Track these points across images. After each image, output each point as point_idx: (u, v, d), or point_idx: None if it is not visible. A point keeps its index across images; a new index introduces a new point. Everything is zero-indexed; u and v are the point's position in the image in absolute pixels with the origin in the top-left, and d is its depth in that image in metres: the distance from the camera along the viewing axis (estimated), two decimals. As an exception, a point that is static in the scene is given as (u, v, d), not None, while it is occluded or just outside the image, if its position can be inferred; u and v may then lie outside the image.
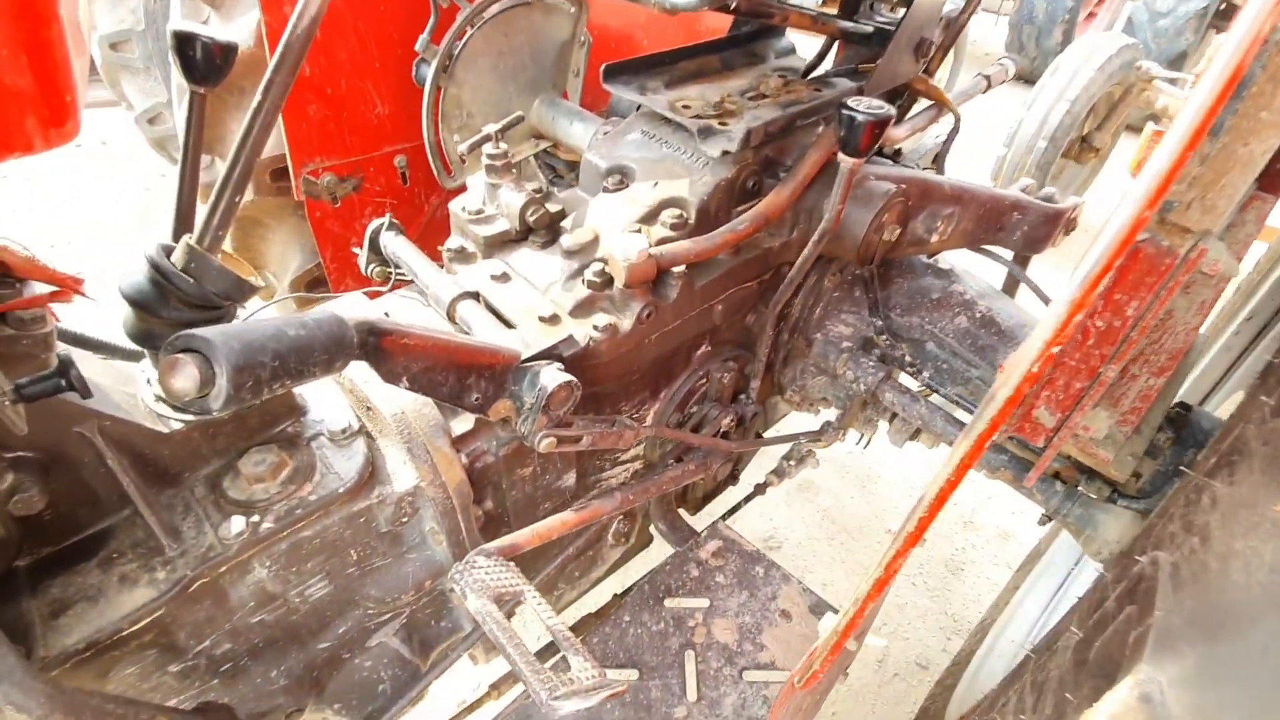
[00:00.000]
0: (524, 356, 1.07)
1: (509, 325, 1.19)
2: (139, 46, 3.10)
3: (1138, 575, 0.73)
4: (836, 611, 1.54)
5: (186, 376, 0.56)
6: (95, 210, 4.49)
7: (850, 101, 0.98)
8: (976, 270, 1.82)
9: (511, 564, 1.00)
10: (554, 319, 1.18)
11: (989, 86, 1.81)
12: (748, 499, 1.92)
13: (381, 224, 1.38)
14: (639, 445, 1.50)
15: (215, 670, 0.99)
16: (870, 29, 1.56)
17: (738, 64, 1.66)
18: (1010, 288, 1.92)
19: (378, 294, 1.40)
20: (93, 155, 4.88)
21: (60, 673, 0.82)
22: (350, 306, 1.26)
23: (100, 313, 1.01)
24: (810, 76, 1.64)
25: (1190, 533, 0.69)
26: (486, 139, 1.33)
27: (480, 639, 1.26)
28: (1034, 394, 1.17)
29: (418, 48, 1.58)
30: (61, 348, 0.75)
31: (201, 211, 0.90)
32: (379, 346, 0.85)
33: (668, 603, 1.52)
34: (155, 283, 0.85)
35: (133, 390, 0.94)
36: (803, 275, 1.34)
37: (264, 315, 1.30)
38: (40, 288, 0.78)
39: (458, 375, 0.97)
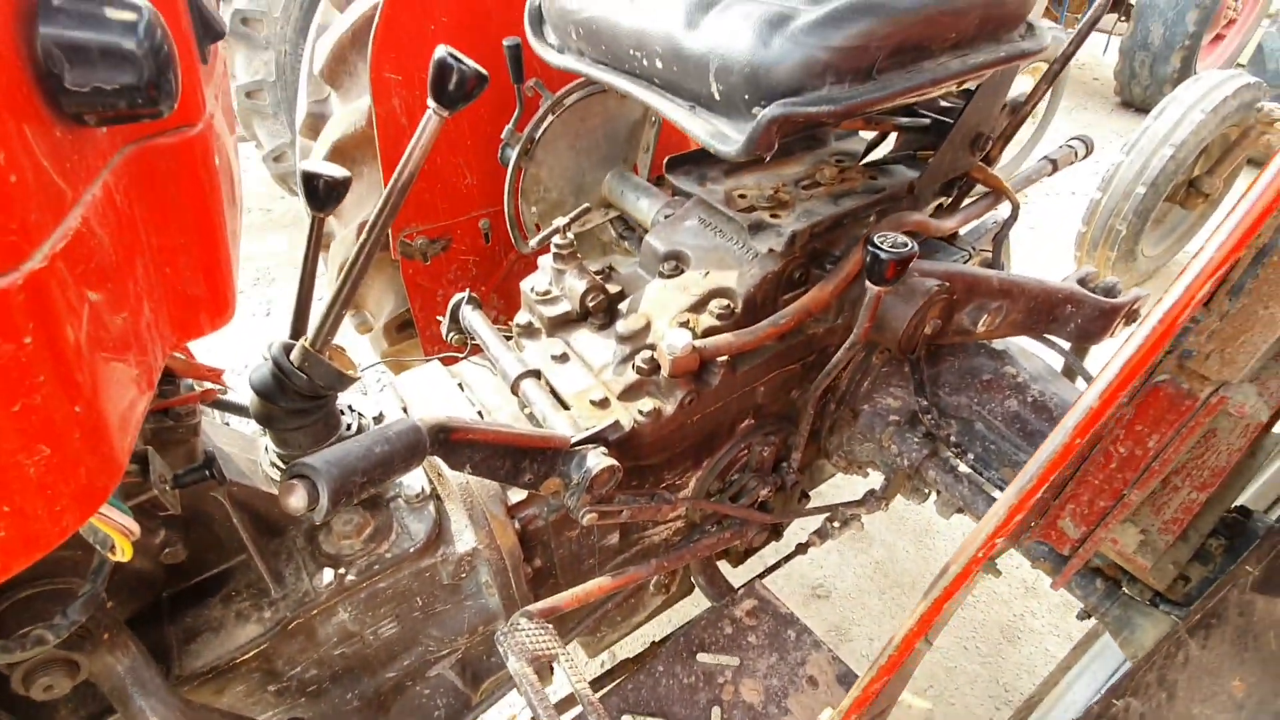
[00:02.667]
0: (573, 440, 1.21)
1: (564, 405, 1.33)
2: (270, 95, 3.50)
3: (1113, 718, 0.79)
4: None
5: (299, 498, 0.73)
6: (225, 227, 5.03)
7: (875, 237, 1.06)
8: (1036, 350, 1.82)
9: (550, 627, 1.14)
10: (604, 403, 1.32)
11: (1055, 170, 1.81)
12: (788, 558, 1.99)
13: (462, 298, 1.56)
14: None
15: (303, 691, 1.19)
16: (928, 121, 1.61)
17: (796, 149, 1.74)
18: (1072, 371, 1.90)
19: (454, 359, 1.58)
20: (226, 177, 5.44)
21: (188, 689, 1.02)
22: (428, 381, 1.45)
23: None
24: (867, 162, 1.71)
25: (1161, 686, 0.74)
26: (555, 231, 1.48)
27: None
28: (1058, 505, 1.20)
29: (504, 135, 1.77)
30: (207, 442, 0.95)
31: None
32: (448, 441, 1.01)
33: (700, 657, 1.63)
34: (276, 377, 1.04)
35: (254, 456, 1.14)
36: (840, 369, 1.41)
37: (368, 375, 1.50)
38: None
39: (514, 460, 1.12)
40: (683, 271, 1.52)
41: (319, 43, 2.07)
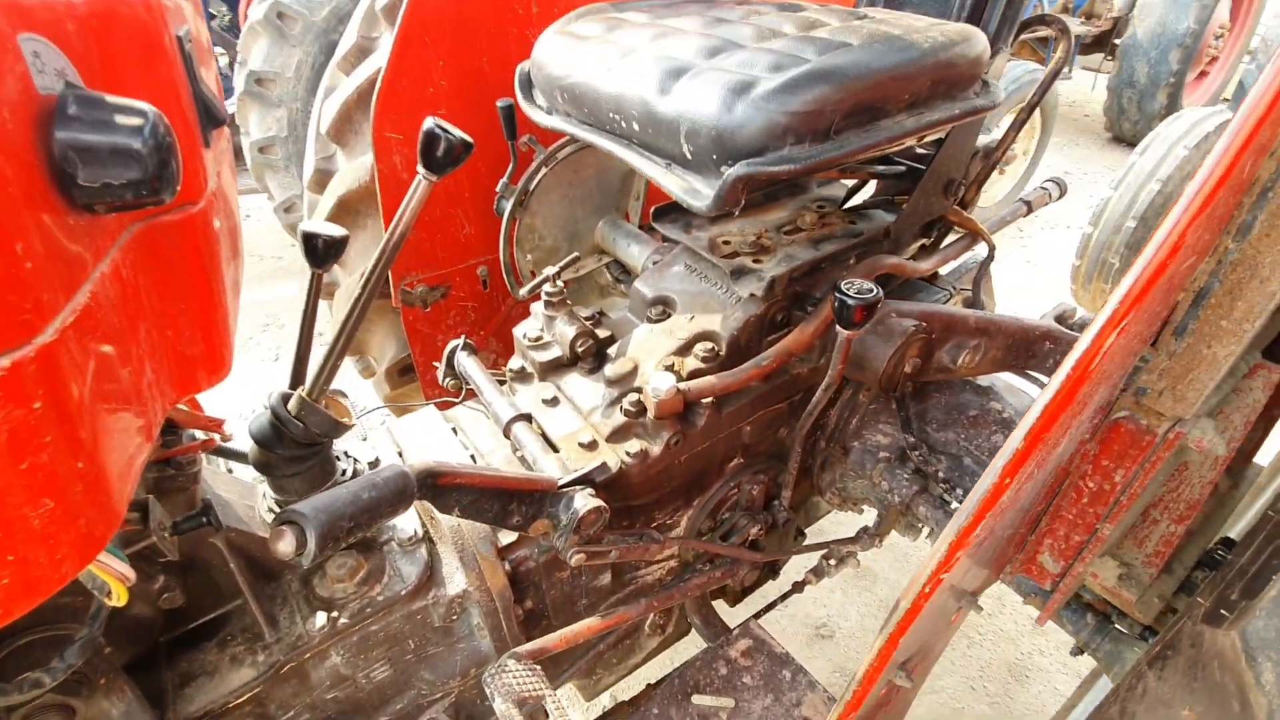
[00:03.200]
0: (561, 482, 1.25)
1: (554, 448, 1.37)
2: (281, 150, 3.64)
3: (1082, 755, 0.80)
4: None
5: (287, 543, 0.77)
6: (237, 275, 5.20)
7: (842, 284, 1.11)
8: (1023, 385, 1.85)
9: (538, 668, 1.16)
10: (592, 445, 1.35)
11: (1029, 211, 1.86)
12: (784, 597, 1.99)
13: (457, 345, 1.62)
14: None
15: (296, 736, 1.20)
16: (903, 169, 1.68)
17: (781, 195, 1.81)
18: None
19: (449, 404, 1.63)
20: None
21: (182, 735, 1.04)
22: (423, 426, 1.49)
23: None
24: (847, 207, 1.77)
25: (1123, 718, 0.76)
26: (546, 279, 1.54)
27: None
28: (1035, 540, 1.22)
29: (498, 188, 1.85)
30: (206, 490, 1.00)
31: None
32: (436, 486, 1.05)
33: (695, 699, 1.62)
34: (274, 425, 1.09)
35: (252, 502, 1.18)
36: (820, 408, 1.45)
37: (367, 420, 1.55)
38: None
39: (501, 503, 1.16)
40: (669, 316, 1.57)
41: (326, 104, 2.19)
